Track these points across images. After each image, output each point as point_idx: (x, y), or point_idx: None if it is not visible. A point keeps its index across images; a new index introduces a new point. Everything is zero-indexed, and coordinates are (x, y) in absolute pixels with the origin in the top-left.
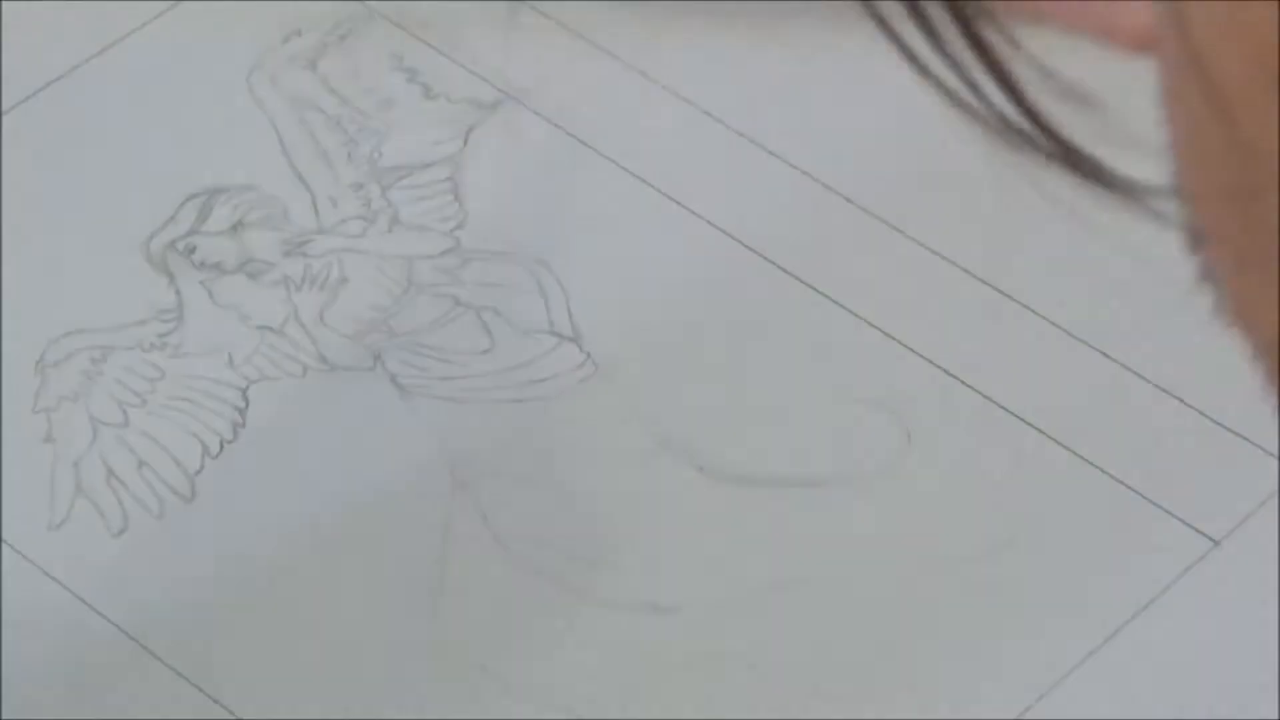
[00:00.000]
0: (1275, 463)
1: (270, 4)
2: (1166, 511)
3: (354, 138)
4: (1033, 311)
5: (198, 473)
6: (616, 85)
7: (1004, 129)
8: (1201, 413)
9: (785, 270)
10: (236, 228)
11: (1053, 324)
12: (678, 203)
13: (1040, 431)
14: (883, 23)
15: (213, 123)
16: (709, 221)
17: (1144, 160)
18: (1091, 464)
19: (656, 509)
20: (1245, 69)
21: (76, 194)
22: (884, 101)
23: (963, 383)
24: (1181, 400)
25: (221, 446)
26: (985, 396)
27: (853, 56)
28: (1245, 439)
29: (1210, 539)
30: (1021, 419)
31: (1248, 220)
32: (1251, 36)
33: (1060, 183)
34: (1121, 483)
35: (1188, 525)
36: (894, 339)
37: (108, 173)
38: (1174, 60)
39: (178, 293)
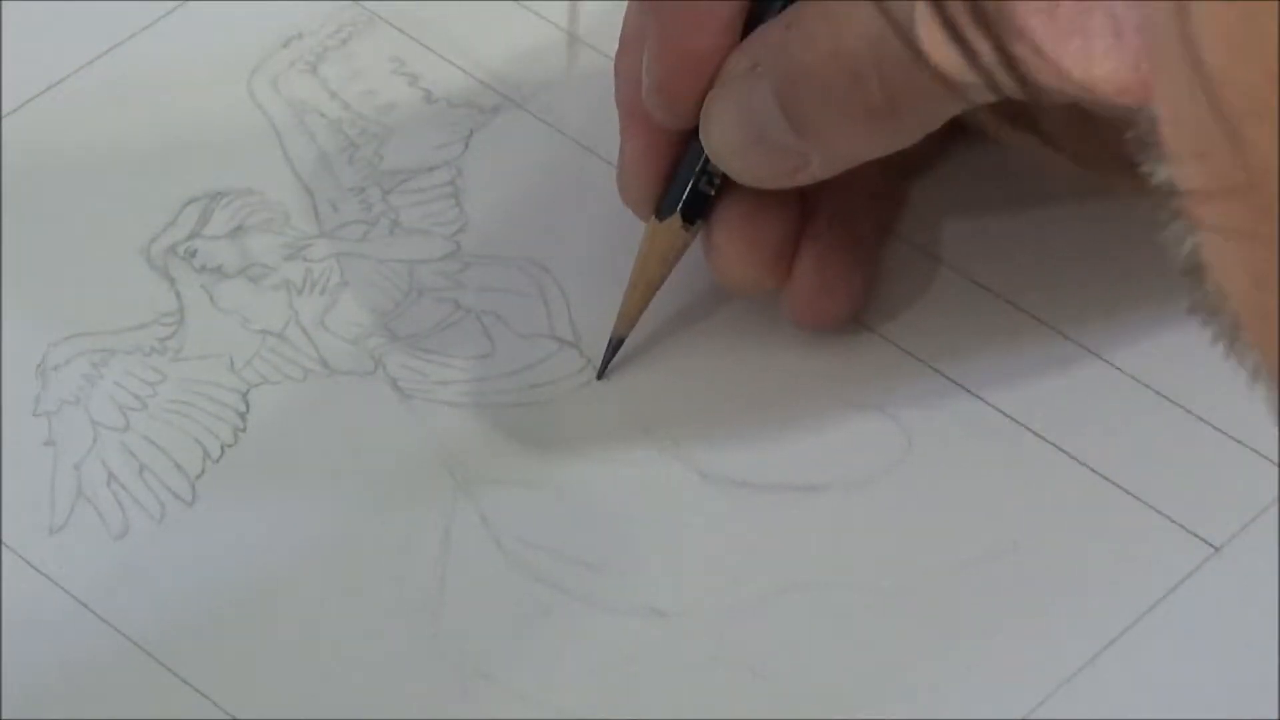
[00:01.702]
0: (1276, 469)
1: (271, 7)
2: (1167, 517)
3: (355, 141)
4: (1033, 317)
5: (198, 476)
6: None
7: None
8: (1202, 419)
9: None
10: (237, 231)
11: (1053, 329)
12: None
13: (1040, 437)
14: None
15: (213, 126)
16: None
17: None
18: (1092, 469)
19: (656, 513)
20: (1263, 86)
21: (77, 197)
22: None
23: (963, 388)
24: (1182, 406)
25: (222, 450)
26: (985, 402)
27: None
28: (1246, 445)
29: (1210, 545)
30: (1022, 424)
31: (1258, 240)
32: (1265, 52)
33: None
34: (1121, 488)
35: (1188, 531)
36: (894, 344)
37: (109, 176)
38: (1174, 83)
39: (178, 296)
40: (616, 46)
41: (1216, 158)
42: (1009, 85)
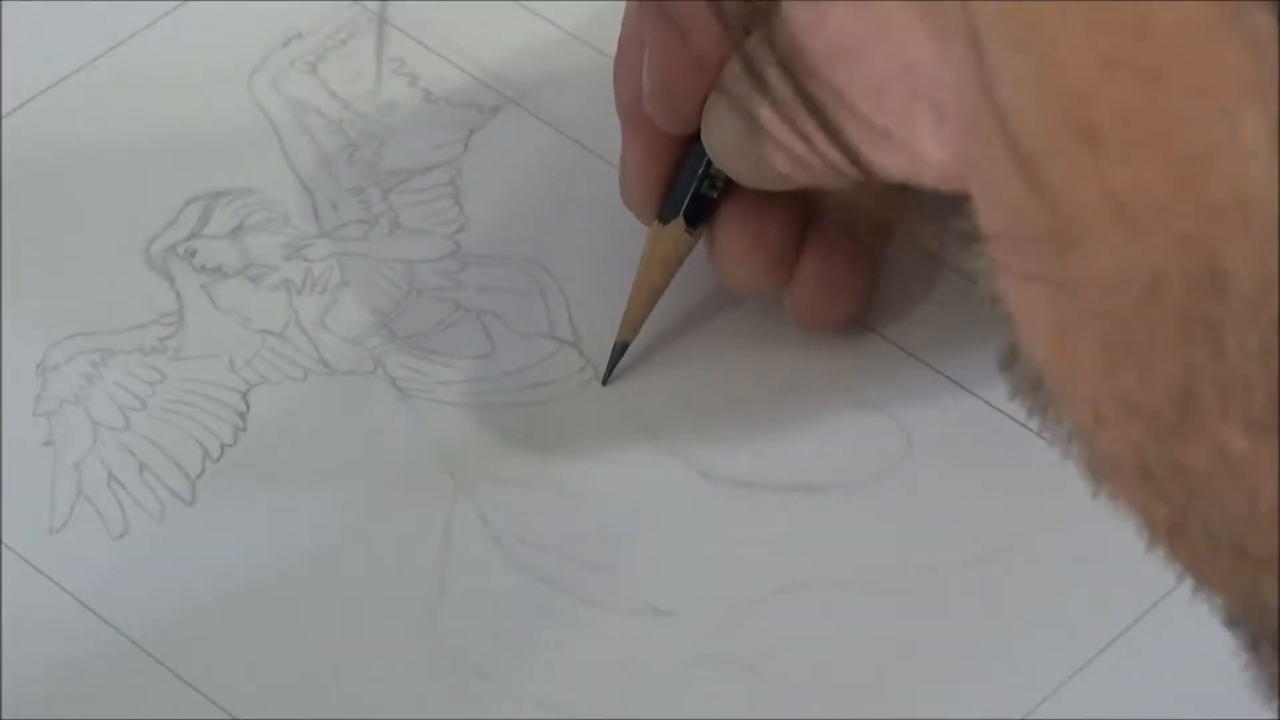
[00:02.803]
0: None
1: (271, 7)
2: None
3: (355, 141)
4: None
5: (198, 476)
6: None
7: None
8: None
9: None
10: (237, 231)
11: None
12: None
13: (1040, 436)
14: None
15: (214, 126)
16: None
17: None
18: None
19: (656, 513)
20: (1049, 122)
21: (78, 197)
22: None
23: (963, 388)
24: None
25: (222, 450)
26: (986, 402)
27: None
28: None
29: None
30: (1022, 424)
31: (1064, 273)
32: (1058, 90)
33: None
34: None
35: None
36: (895, 344)
37: (109, 176)
38: (976, 125)
39: (178, 296)
40: (615, 51)
41: (1017, 204)
42: (848, 172)
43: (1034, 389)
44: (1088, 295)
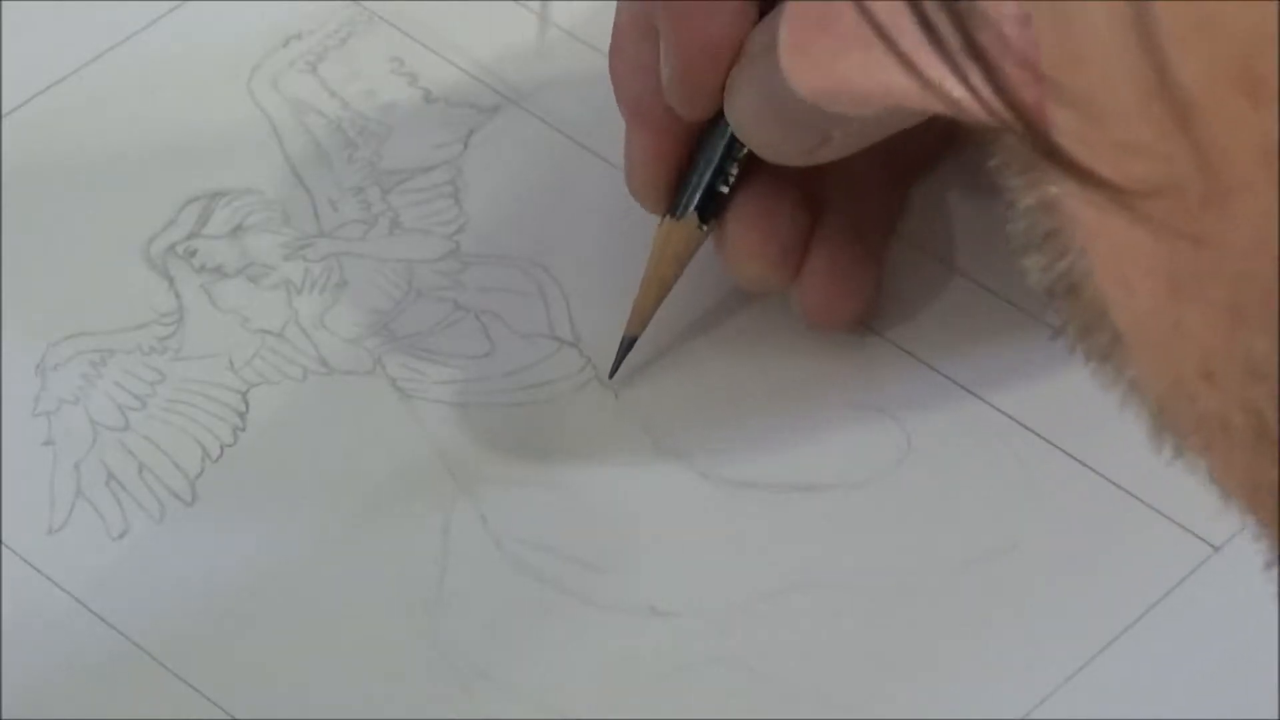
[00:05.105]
0: None
1: (271, 7)
2: (1166, 517)
3: (354, 141)
4: (1033, 317)
5: (198, 476)
6: None
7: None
8: None
9: None
10: (237, 231)
11: (1053, 329)
12: None
13: (1040, 437)
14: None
15: (213, 126)
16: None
17: None
18: (1091, 469)
19: (656, 513)
20: (1211, 72)
21: (77, 197)
22: None
23: (963, 388)
24: None
25: (222, 450)
26: (986, 402)
27: None
28: None
29: (1210, 544)
30: (1022, 424)
31: (1199, 228)
32: (1223, 38)
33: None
34: (1121, 488)
35: (1187, 530)
36: (895, 344)
37: (109, 175)
38: (1131, 72)
39: (178, 296)
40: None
41: (1163, 152)
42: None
43: (1094, 331)
44: (1224, 254)
